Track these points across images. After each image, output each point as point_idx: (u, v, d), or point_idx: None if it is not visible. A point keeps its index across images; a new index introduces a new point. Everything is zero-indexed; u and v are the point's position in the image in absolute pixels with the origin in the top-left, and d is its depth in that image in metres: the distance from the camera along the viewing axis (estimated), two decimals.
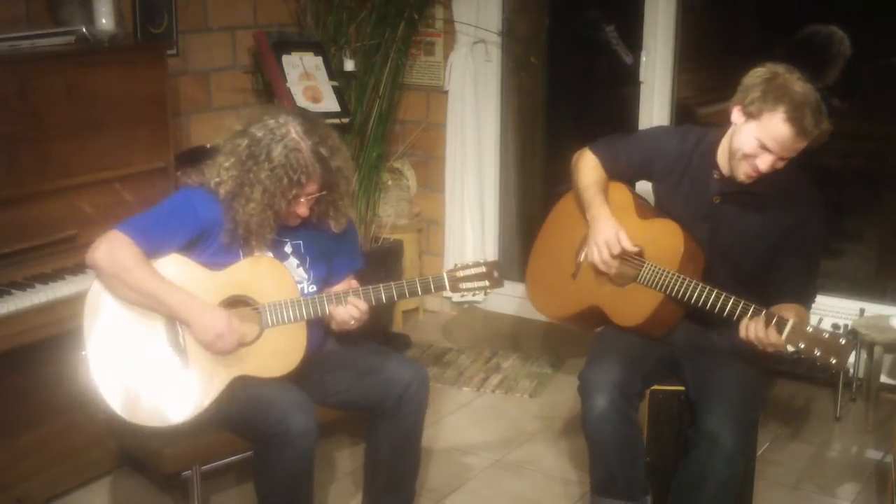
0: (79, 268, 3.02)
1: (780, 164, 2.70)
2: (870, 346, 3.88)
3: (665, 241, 2.88)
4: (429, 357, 4.43)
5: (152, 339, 2.63)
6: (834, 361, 2.52)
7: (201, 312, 2.61)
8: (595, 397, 2.78)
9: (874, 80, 4.44)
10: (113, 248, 2.57)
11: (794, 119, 2.60)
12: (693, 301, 2.75)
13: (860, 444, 3.70)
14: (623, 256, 2.94)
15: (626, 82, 4.54)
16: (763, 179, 2.74)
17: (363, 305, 2.74)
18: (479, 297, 4.91)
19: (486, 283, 2.85)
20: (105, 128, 3.28)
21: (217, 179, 2.67)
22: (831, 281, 4.29)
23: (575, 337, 4.49)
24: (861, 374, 3.98)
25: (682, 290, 2.77)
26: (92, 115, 3.23)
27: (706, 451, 2.67)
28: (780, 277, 2.78)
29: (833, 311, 4.13)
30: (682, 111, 4.41)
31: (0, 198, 2.99)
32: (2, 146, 3.01)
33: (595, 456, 2.89)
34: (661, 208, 3.01)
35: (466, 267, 2.85)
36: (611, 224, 2.94)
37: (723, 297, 2.69)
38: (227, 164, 2.66)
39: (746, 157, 2.69)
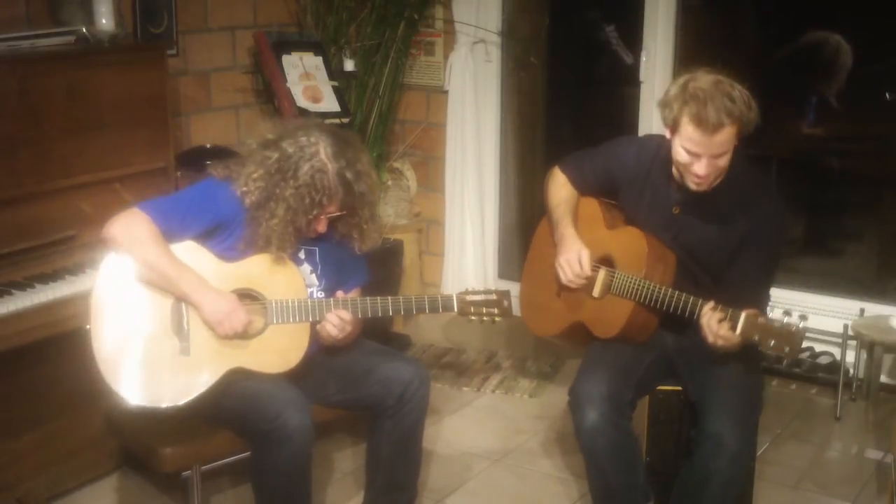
0: (79, 268, 3.03)
1: (723, 162, 2.67)
2: (870, 346, 3.88)
3: (631, 247, 2.90)
4: (429, 357, 4.42)
5: (157, 320, 2.64)
6: (787, 350, 2.53)
7: (211, 294, 2.63)
8: (585, 411, 2.78)
9: (874, 81, 4.44)
10: (131, 224, 2.60)
11: (698, 118, 2.60)
12: (658, 304, 2.78)
13: (860, 444, 3.70)
14: (597, 267, 2.96)
15: (626, 82, 4.54)
16: (721, 188, 2.73)
17: (347, 316, 2.74)
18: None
19: (496, 310, 2.88)
20: (105, 128, 3.28)
21: (244, 188, 2.69)
22: (831, 281, 4.29)
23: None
24: (861, 374, 3.99)
25: (649, 294, 2.80)
26: (92, 116, 3.24)
27: (710, 452, 2.67)
28: (733, 283, 2.77)
29: (833, 312, 4.13)
30: None
31: (0, 198, 2.99)
32: (2, 146, 3.02)
33: (591, 468, 2.88)
34: (629, 219, 3.00)
35: (477, 292, 2.87)
36: (574, 245, 2.98)
37: (683, 298, 2.71)
38: (255, 176, 2.68)
39: (685, 167, 2.70)
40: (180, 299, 2.64)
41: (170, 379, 2.63)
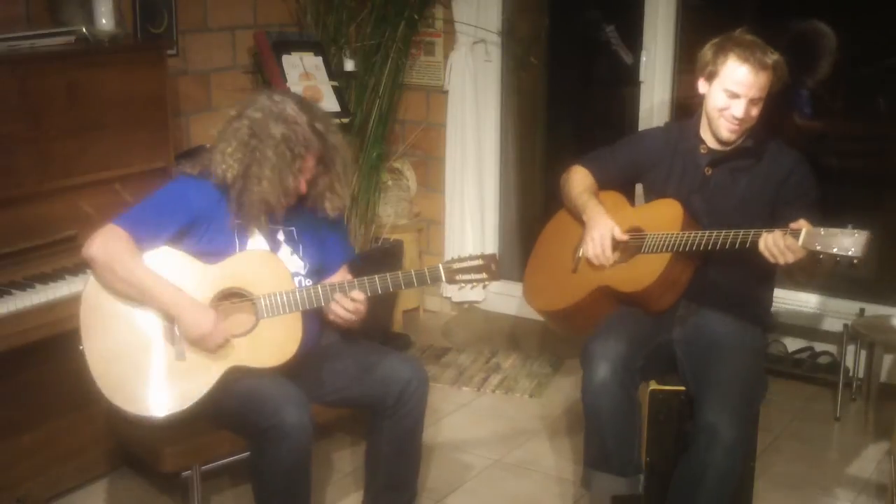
0: (79, 268, 3.02)
1: (755, 110, 2.87)
2: (870, 346, 3.88)
3: (664, 214, 2.97)
4: (429, 357, 4.42)
5: (148, 332, 2.65)
6: (852, 252, 2.57)
7: (189, 310, 2.63)
8: (596, 366, 2.82)
9: (874, 81, 4.44)
10: (108, 241, 2.61)
11: (745, 57, 2.83)
12: (704, 246, 2.81)
13: (860, 444, 3.70)
14: (621, 243, 3.01)
15: (626, 82, 4.54)
16: (744, 145, 2.94)
17: (360, 296, 2.75)
18: (479, 293, 4.92)
19: (484, 275, 2.84)
20: (105, 128, 3.28)
21: (223, 166, 2.69)
22: (831, 281, 4.28)
23: (574, 337, 4.49)
24: (861, 374, 3.99)
25: (692, 241, 2.84)
26: (92, 116, 3.24)
27: (705, 444, 2.68)
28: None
29: (833, 312, 4.13)
30: (682, 111, 4.41)
31: (0, 198, 2.99)
32: (2, 146, 3.02)
33: (591, 428, 2.91)
34: (658, 197, 3.07)
35: (463, 259, 2.85)
36: (606, 221, 3.04)
37: (733, 232, 2.77)
38: (230, 150, 2.69)
39: (721, 111, 2.88)
40: (161, 313, 2.66)
41: (170, 386, 2.63)
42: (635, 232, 3.02)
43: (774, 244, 2.65)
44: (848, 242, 2.57)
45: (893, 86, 4.33)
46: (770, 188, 2.93)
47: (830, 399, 3.95)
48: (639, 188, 3.26)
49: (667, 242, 2.89)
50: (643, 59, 4.37)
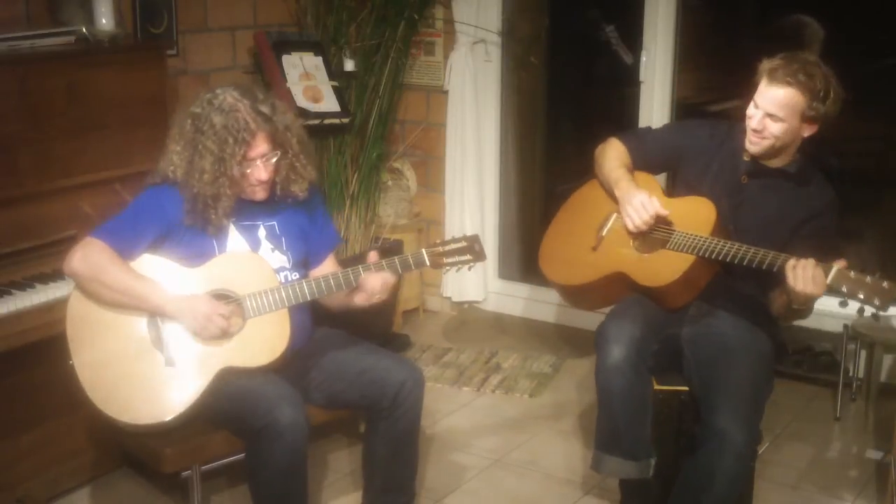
0: None
1: (774, 128, 2.82)
2: (870, 346, 3.88)
3: (696, 213, 2.95)
4: (429, 357, 4.42)
5: (135, 340, 2.66)
6: (877, 303, 2.57)
7: (184, 301, 2.64)
8: (610, 348, 2.83)
9: (875, 80, 4.43)
10: (88, 253, 2.63)
11: (773, 70, 2.81)
12: (730, 258, 2.79)
13: (860, 444, 3.70)
14: (653, 226, 2.99)
15: (626, 82, 4.53)
16: (789, 170, 2.92)
17: (391, 278, 2.78)
18: (479, 293, 4.91)
19: (468, 256, 2.84)
20: (105, 128, 3.28)
21: (171, 167, 2.72)
22: None
23: (575, 337, 4.50)
24: (861, 374, 3.99)
25: (718, 249, 2.82)
26: (92, 116, 3.24)
27: (716, 449, 2.67)
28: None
29: (833, 312, 4.12)
30: (682, 111, 4.41)
31: (0, 198, 2.99)
32: (2, 146, 3.02)
33: (603, 409, 2.91)
34: (690, 191, 3.06)
35: (446, 243, 2.85)
36: (642, 191, 3.02)
37: (762, 252, 2.74)
38: (177, 149, 2.72)
39: (748, 120, 2.87)
40: (156, 314, 2.66)
41: (162, 393, 2.64)
42: (664, 225, 3.00)
43: (803, 273, 2.63)
44: (874, 294, 2.56)
45: (893, 86, 4.33)
46: (796, 218, 2.90)
47: (830, 399, 3.95)
48: (663, 180, 3.25)
49: (694, 244, 2.87)
50: (643, 59, 4.37)
